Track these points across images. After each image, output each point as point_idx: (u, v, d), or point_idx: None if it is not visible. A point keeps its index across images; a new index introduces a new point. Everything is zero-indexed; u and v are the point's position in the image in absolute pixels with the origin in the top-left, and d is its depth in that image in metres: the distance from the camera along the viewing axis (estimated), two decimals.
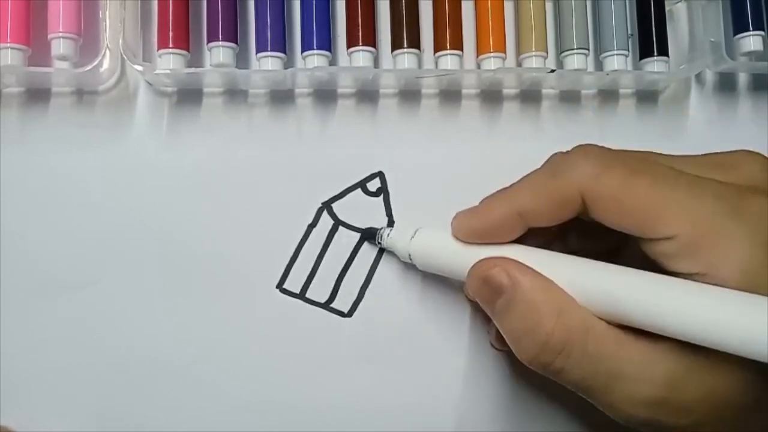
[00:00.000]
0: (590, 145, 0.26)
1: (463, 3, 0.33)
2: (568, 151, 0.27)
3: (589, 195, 0.24)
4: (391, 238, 0.31)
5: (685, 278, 0.23)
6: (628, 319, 0.23)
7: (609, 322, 0.24)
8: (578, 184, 0.25)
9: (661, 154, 0.26)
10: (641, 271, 0.24)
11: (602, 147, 0.26)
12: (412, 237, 0.30)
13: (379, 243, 0.32)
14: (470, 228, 0.27)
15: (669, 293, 0.22)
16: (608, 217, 0.24)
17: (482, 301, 0.26)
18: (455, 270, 0.28)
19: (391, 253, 0.32)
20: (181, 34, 0.31)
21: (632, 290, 0.23)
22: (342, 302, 0.32)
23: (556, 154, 0.27)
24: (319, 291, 0.32)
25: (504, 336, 0.26)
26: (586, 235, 0.27)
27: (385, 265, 0.32)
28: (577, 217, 0.26)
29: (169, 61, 0.30)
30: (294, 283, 0.32)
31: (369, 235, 0.32)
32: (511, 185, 0.27)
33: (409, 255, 0.30)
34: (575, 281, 0.24)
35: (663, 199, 0.23)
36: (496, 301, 0.25)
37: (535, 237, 0.27)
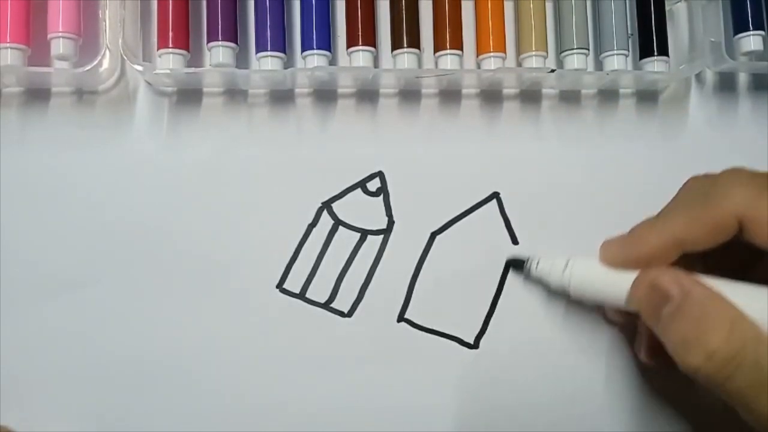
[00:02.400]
0: (739, 168, 0.27)
1: (463, 3, 0.33)
2: (714, 176, 0.27)
3: (747, 220, 0.25)
4: (540, 270, 0.31)
5: None
6: None
7: None
8: (735, 210, 0.25)
9: None
10: None
11: (751, 170, 0.27)
12: (564, 269, 0.30)
13: (527, 276, 0.32)
14: (624, 257, 0.28)
15: None
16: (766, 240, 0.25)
17: (648, 308, 0.27)
18: (615, 299, 0.28)
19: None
20: (181, 34, 0.31)
21: None
22: (342, 302, 0.32)
23: (697, 178, 0.28)
24: (319, 291, 0.32)
25: (667, 343, 0.26)
26: (723, 254, 0.27)
27: (385, 266, 0.32)
28: None
29: (169, 61, 0.30)
30: (294, 283, 0.32)
31: (514, 264, 0.32)
32: (661, 213, 0.28)
33: (563, 287, 0.30)
34: (742, 300, 0.25)
35: None
36: (663, 308, 0.26)
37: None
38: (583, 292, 0.30)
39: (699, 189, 0.28)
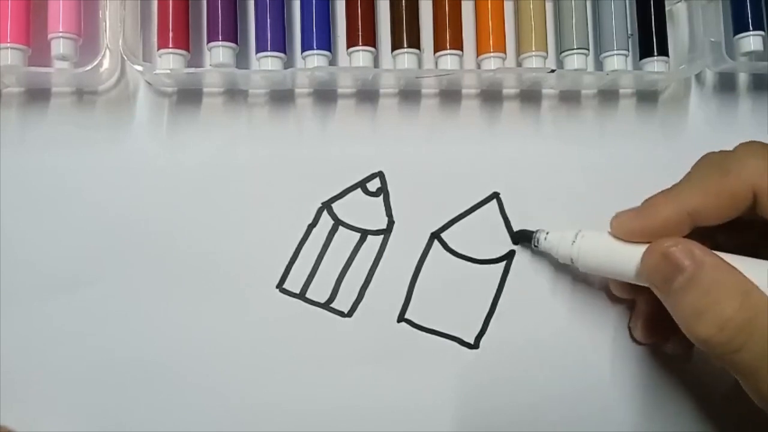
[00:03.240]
0: (753, 142, 0.28)
1: (463, 3, 0.33)
2: (728, 150, 0.27)
3: (762, 191, 0.25)
4: (548, 241, 0.31)
5: None
6: None
7: None
8: (750, 181, 0.26)
9: None
10: None
11: (765, 143, 0.27)
12: (574, 240, 0.30)
13: (536, 246, 0.32)
14: (635, 228, 0.28)
15: None
16: None
17: (659, 278, 0.26)
18: (623, 270, 0.28)
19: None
20: (181, 34, 0.31)
21: None
22: (342, 302, 0.32)
23: (711, 154, 0.28)
24: (319, 291, 0.32)
25: (678, 314, 0.26)
26: (732, 232, 0.27)
27: (386, 266, 0.32)
28: None
29: (169, 61, 0.30)
30: (294, 283, 0.32)
31: (522, 237, 0.32)
32: (675, 185, 0.28)
33: (571, 258, 0.30)
34: (753, 272, 0.25)
35: None
36: (675, 279, 0.25)
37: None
38: (591, 264, 0.29)
39: (713, 162, 0.28)
